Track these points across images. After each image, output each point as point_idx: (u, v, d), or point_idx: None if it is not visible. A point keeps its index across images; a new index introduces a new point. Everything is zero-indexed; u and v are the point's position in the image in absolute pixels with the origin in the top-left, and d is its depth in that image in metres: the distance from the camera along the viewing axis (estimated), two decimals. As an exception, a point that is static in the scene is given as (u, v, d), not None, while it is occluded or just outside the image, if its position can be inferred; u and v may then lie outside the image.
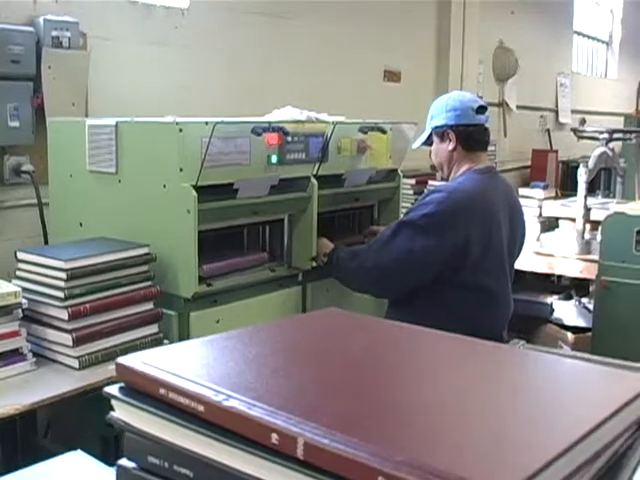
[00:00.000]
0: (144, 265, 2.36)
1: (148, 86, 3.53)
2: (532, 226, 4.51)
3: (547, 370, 0.87)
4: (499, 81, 6.78)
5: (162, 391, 0.73)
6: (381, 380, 0.80)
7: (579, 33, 8.81)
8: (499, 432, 0.67)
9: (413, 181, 4.56)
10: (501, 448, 0.64)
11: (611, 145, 4.69)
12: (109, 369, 2.11)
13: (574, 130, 5.43)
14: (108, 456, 1.08)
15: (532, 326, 4.48)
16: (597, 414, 0.68)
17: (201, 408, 0.70)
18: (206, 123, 2.33)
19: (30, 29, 2.92)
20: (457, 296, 2.64)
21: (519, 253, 2.97)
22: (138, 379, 0.76)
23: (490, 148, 5.72)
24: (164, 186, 2.36)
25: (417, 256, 2.59)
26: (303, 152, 2.73)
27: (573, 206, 4.48)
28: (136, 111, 2.87)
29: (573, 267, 4.31)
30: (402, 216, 2.89)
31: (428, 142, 2.91)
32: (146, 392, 0.75)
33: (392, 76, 5.36)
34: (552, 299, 4.63)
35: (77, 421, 2.44)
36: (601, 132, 4.73)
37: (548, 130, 7.79)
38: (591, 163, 4.38)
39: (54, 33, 2.97)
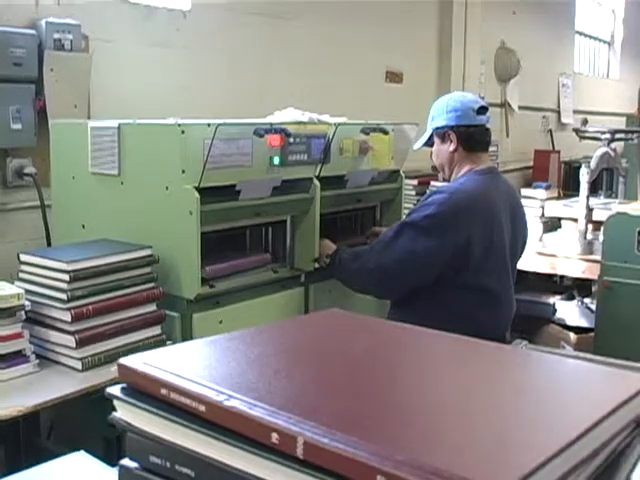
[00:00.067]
0: (147, 267, 2.36)
1: (150, 88, 3.53)
2: (534, 226, 4.51)
3: (548, 370, 0.87)
4: (501, 81, 6.78)
5: (164, 391, 0.74)
6: (382, 381, 0.80)
7: (581, 33, 8.81)
8: (499, 432, 0.68)
9: (415, 182, 4.56)
10: (501, 448, 0.64)
11: (613, 145, 4.69)
12: (112, 371, 2.11)
13: (576, 130, 5.43)
14: (111, 457, 1.08)
15: (535, 326, 4.47)
16: (595, 412, 0.68)
17: (202, 408, 0.71)
18: (208, 125, 2.34)
19: (32, 32, 2.93)
20: (459, 297, 2.64)
21: (521, 254, 2.97)
22: (140, 379, 0.76)
23: (492, 149, 5.74)
24: (166, 188, 2.37)
25: (419, 257, 2.59)
26: (305, 153, 2.73)
27: (575, 206, 4.48)
28: (138, 113, 2.87)
29: (575, 267, 4.31)
30: (404, 217, 2.90)
31: (429, 143, 2.91)
32: (148, 392, 0.76)
33: (394, 77, 5.37)
34: (555, 299, 4.63)
35: (80, 422, 2.44)
36: (603, 132, 4.73)
37: (550, 130, 7.79)
38: (593, 163, 4.38)
39: (56, 36, 2.98)
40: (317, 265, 2.81)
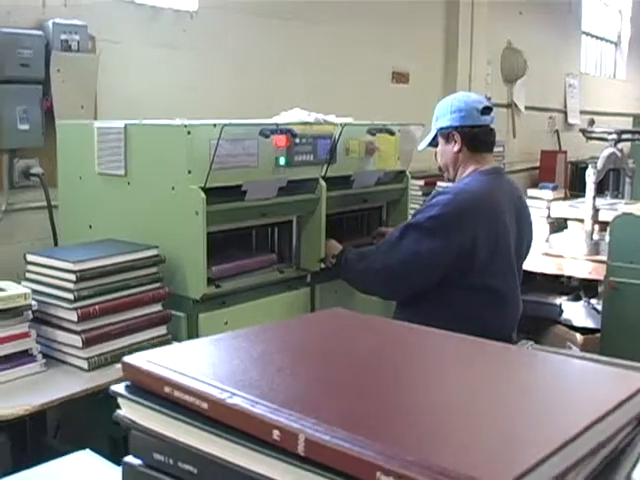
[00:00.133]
0: (153, 267, 2.37)
1: (156, 88, 3.54)
2: (541, 227, 4.51)
3: (552, 370, 0.87)
4: (507, 82, 6.78)
5: (167, 389, 0.74)
6: (386, 380, 0.80)
7: (587, 34, 8.80)
8: (504, 431, 0.68)
9: (422, 182, 4.55)
10: (505, 446, 0.64)
11: (620, 146, 4.68)
12: (118, 370, 2.11)
13: (583, 131, 5.42)
14: (117, 456, 1.09)
15: (541, 327, 4.47)
16: (596, 410, 0.68)
17: (205, 406, 0.71)
18: (214, 125, 2.34)
19: (39, 33, 2.95)
20: (465, 297, 2.64)
21: (527, 254, 2.96)
22: (144, 378, 0.77)
23: (499, 149, 5.76)
24: (172, 188, 2.38)
25: (423, 258, 2.59)
26: (311, 154, 2.73)
27: (582, 207, 4.47)
28: (145, 113, 2.88)
29: (582, 268, 4.30)
30: (410, 218, 2.90)
31: (434, 143, 2.91)
32: (152, 390, 0.76)
33: (400, 77, 5.37)
34: (561, 300, 4.62)
35: (86, 422, 2.45)
36: (610, 133, 4.72)
37: (557, 131, 7.78)
38: (600, 164, 4.37)
39: (63, 36, 2.99)
40: (323, 265, 2.81)
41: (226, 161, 2.41)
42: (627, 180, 5.13)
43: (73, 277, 2.16)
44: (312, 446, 0.64)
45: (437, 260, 2.60)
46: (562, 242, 4.48)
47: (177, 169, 2.36)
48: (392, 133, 3.09)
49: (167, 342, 2.36)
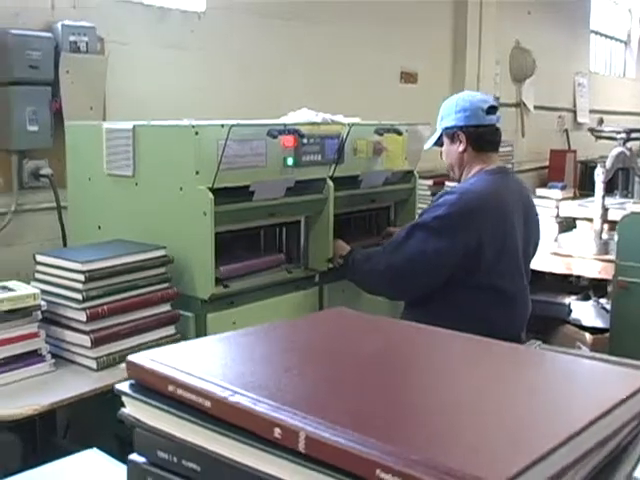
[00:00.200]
0: (161, 267, 2.38)
1: (165, 89, 3.55)
2: (550, 226, 4.50)
3: (558, 369, 0.87)
4: (516, 81, 6.77)
5: (171, 388, 0.75)
6: (390, 379, 0.80)
7: (596, 32, 8.77)
8: (509, 430, 0.68)
9: (430, 182, 4.56)
10: (509, 445, 0.64)
11: (629, 145, 4.66)
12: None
13: (591, 130, 5.40)
14: (125, 455, 1.10)
15: (550, 327, 4.46)
16: (600, 407, 0.69)
17: (208, 404, 0.72)
18: (222, 126, 2.35)
19: (48, 34, 2.96)
20: (472, 297, 2.63)
21: (534, 253, 2.96)
22: (148, 376, 0.78)
23: (507, 149, 5.75)
24: (181, 189, 2.38)
25: (429, 258, 2.59)
26: (319, 154, 2.74)
27: (590, 206, 4.46)
28: (153, 114, 2.89)
29: (591, 267, 4.29)
30: (417, 217, 2.90)
31: (439, 143, 2.90)
32: (155, 389, 0.77)
33: (409, 77, 5.37)
34: (570, 300, 4.61)
35: (95, 421, 2.46)
36: (618, 132, 4.71)
37: (566, 130, 7.76)
38: (608, 163, 4.36)
39: (72, 38, 3.00)
40: (331, 265, 2.82)
41: (234, 161, 2.41)
42: (636, 179, 5.10)
43: (82, 277, 2.17)
44: (313, 443, 0.64)
45: (443, 260, 2.60)
46: (571, 242, 4.47)
47: (185, 170, 2.37)
48: (400, 133, 3.09)
49: (176, 342, 2.36)
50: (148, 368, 0.78)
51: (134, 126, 2.52)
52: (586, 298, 4.62)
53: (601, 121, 8.12)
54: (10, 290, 2.13)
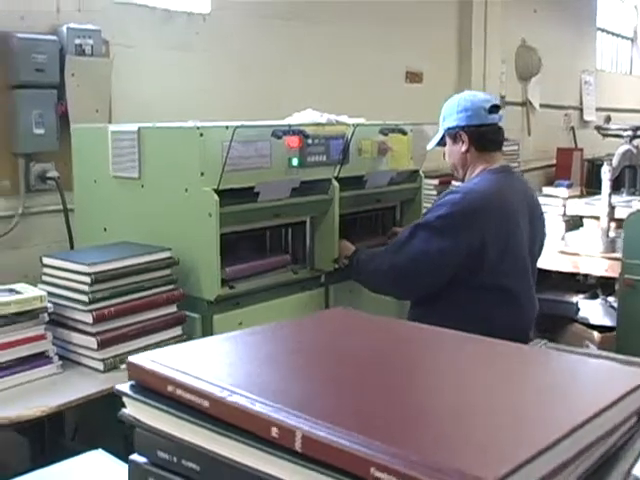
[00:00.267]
0: (167, 269, 2.39)
1: (170, 91, 3.56)
2: (556, 225, 4.49)
3: (556, 367, 0.87)
4: (522, 80, 6.75)
5: (170, 388, 0.76)
6: (389, 379, 0.81)
7: (603, 30, 8.75)
8: (503, 428, 0.68)
9: (436, 181, 4.55)
10: (500, 442, 0.65)
11: (635, 142, 4.65)
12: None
13: (598, 128, 5.39)
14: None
15: (558, 325, 4.45)
16: (598, 403, 0.69)
17: (206, 404, 0.73)
18: (227, 127, 2.36)
19: (53, 38, 2.97)
20: (478, 297, 2.63)
21: (540, 252, 2.95)
22: (147, 377, 0.79)
23: (513, 147, 5.74)
24: (186, 190, 2.39)
25: (432, 257, 2.58)
26: (324, 154, 2.74)
27: (597, 204, 4.44)
28: (158, 116, 2.90)
29: (598, 266, 4.28)
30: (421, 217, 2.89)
31: (442, 143, 2.90)
32: (155, 389, 0.78)
33: (414, 77, 5.36)
34: (578, 298, 4.60)
35: (103, 423, 2.47)
36: (625, 129, 4.70)
37: (573, 128, 7.74)
38: (615, 161, 4.35)
39: (77, 41, 3.01)
40: (337, 266, 2.82)
41: (239, 163, 2.42)
42: (643, 177, 5.10)
43: (88, 279, 2.18)
44: (309, 442, 0.65)
45: (446, 259, 2.59)
46: (578, 240, 4.45)
47: (190, 171, 2.37)
48: (404, 133, 3.09)
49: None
50: (148, 369, 0.79)
51: (139, 128, 2.53)
52: (594, 296, 4.60)
53: (608, 119, 8.10)
54: (17, 293, 2.14)
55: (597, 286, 4.73)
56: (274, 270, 2.70)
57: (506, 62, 6.37)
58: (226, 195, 2.37)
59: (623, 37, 9.51)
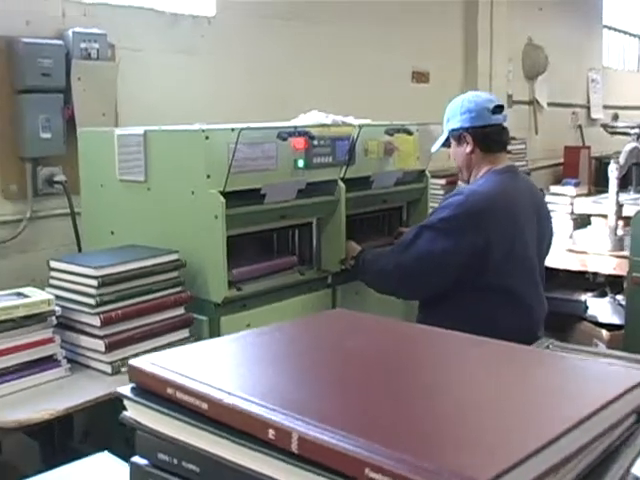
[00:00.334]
0: (174, 271, 2.39)
1: (175, 94, 3.57)
2: (564, 223, 4.49)
3: (556, 369, 0.87)
4: (529, 79, 6.74)
5: (170, 391, 0.76)
6: (387, 378, 0.81)
7: (609, 27, 8.72)
8: (500, 428, 0.69)
9: (443, 181, 4.55)
10: (496, 442, 0.65)
11: (643, 140, 4.64)
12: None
13: (604, 126, 5.38)
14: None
15: (566, 324, 4.44)
16: (595, 402, 0.69)
17: (205, 406, 0.73)
18: (232, 129, 2.36)
19: (59, 42, 2.98)
20: (483, 298, 2.62)
21: (548, 251, 2.94)
22: (148, 380, 0.79)
23: (520, 146, 5.73)
24: (192, 193, 2.40)
25: (437, 257, 2.58)
26: (330, 155, 2.74)
27: (605, 203, 4.44)
28: (165, 119, 2.91)
29: (606, 264, 4.27)
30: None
31: (446, 144, 2.90)
32: (155, 392, 0.78)
33: (420, 77, 5.36)
34: (586, 296, 4.59)
35: (112, 425, 2.48)
36: (632, 127, 4.69)
37: (580, 126, 7.72)
38: (622, 159, 4.33)
39: (83, 45, 3.02)
40: (344, 266, 2.82)
41: (245, 165, 2.43)
42: (651, 175, 5.08)
43: (95, 283, 2.19)
44: (305, 444, 0.65)
45: (451, 259, 2.59)
46: (586, 238, 4.45)
47: (196, 174, 2.38)
48: (410, 133, 3.09)
49: (189, 345, 2.38)
50: (148, 371, 0.79)
51: (145, 131, 2.54)
52: (602, 295, 4.60)
53: (616, 116, 8.07)
54: (25, 296, 2.15)
55: (605, 284, 4.72)
56: (281, 271, 2.70)
57: (513, 61, 6.36)
58: (232, 197, 2.37)
59: (630, 34, 9.48)
